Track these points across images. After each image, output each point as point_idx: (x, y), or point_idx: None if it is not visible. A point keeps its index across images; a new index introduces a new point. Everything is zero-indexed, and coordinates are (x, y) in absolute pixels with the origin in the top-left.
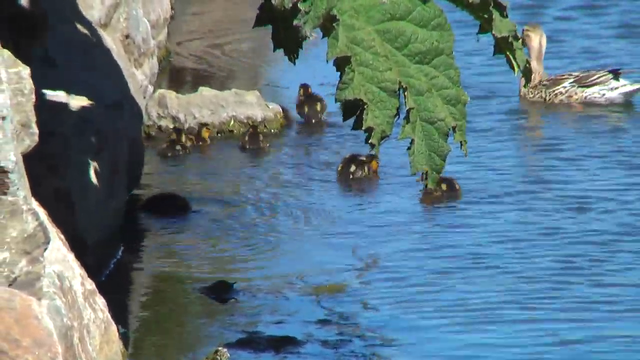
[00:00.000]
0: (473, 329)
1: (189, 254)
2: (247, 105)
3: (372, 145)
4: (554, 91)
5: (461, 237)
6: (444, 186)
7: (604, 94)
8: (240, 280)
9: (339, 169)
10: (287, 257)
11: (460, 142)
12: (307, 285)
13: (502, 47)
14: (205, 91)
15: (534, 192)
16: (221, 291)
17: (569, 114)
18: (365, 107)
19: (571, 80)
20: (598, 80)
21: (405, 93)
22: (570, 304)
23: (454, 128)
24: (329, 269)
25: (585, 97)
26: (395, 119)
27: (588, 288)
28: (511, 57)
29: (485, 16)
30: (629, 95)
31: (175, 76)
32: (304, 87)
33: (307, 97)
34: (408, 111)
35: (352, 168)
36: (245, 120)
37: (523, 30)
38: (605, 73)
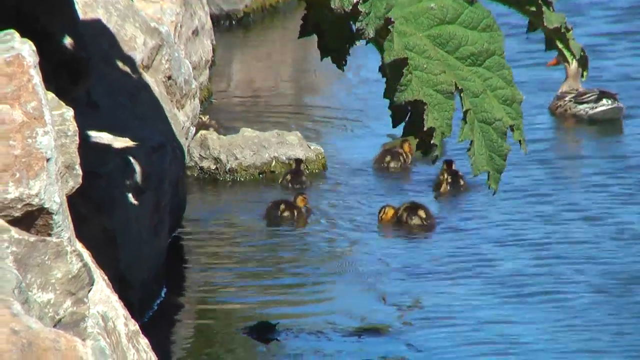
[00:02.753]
0: None
1: (232, 294)
2: (288, 146)
3: (434, 146)
4: (557, 103)
5: (504, 270)
6: (422, 213)
7: (587, 112)
8: (282, 320)
9: (375, 160)
10: (328, 297)
11: (519, 140)
12: (349, 325)
13: (554, 39)
14: (247, 132)
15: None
16: (264, 331)
17: (559, 127)
18: (425, 108)
19: (572, 95)
20: (588, 99)
21: (462, 94)
22: None
23: (511, 127)
24: (371, 309)
25: (575, 113)
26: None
27: None
28: (564, 48)
29: (533, 9)
30: (609, 113)
31: (217, 117)
32: None
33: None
34: (465, 112)
35: (388, 158)
36: (287, 161)
37: None
38: (596, 93)
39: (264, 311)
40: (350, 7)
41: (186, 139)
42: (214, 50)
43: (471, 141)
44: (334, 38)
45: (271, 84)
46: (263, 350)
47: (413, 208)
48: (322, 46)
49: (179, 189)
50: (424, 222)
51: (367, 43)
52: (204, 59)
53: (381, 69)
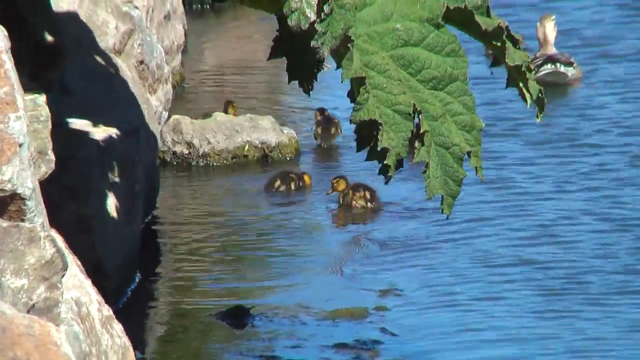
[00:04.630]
0: (496, 353)
1: (205, 279)
2: (261, 130)
3: (387, 167)
4: None
5: (473, 257)
6: (367, 194)
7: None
8: (256, 304)
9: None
10: (302, 282)
11: (476, 167)
12: (323, 310)
13: (515, 77)
14: (219, 116)
15: None
16: (238, 316)
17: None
18: (380, 127)
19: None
20: (536, 63)
21: (420, 116)
22: None
23: (468, 153)
24: (345, 293)
25: None
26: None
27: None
28: (524, 88)
29: (498, 44)
30: (548, 77)
31: (189, 102)
32: (320, 110)
33: (323, 120)
34: (422, 134)
35: (277, 183)
36: (259, 145)
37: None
38: (544, 57)
39: (238, 296)
40: (307, 26)
41: (159, 124)
42: (186, 34)
43: (427, 163)
44: (302, 61)
45: (244, 68)
46: (237, 334)
47: (359, 188)
48: (289, 68)
49: (152, 173)
50: (367, 204)
51: (337, 68)
52: (176, 43)
53: (349, 94)
